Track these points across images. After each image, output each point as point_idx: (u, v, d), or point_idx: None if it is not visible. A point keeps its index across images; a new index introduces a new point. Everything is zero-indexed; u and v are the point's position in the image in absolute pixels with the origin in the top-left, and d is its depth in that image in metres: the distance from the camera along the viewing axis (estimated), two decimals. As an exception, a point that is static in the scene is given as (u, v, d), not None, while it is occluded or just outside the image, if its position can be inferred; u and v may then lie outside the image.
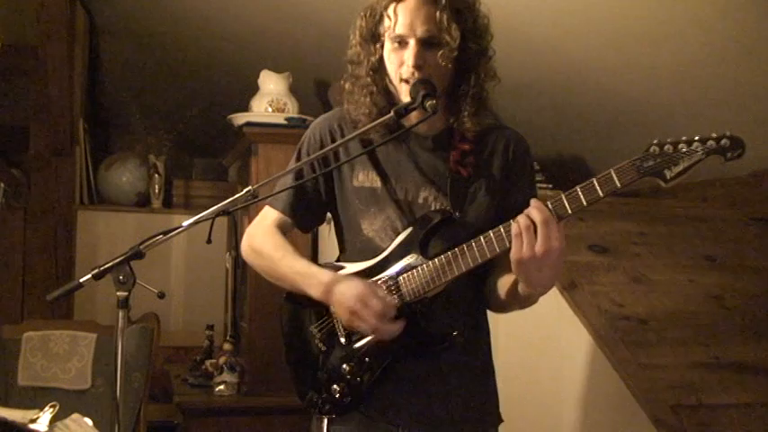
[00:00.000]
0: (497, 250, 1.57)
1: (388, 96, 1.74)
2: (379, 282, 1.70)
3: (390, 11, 1.67)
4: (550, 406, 2.51)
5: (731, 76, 2.65)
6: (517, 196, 1.65)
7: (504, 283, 1.68)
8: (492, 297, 1.74)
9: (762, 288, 2.59)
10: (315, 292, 1.71)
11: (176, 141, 4.68)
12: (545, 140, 3.56)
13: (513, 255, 1.50)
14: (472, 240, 1.60)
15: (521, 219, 1.50)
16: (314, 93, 4.23)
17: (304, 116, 3.69)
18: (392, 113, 1.63)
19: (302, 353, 1.82)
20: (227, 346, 3.66)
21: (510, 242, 1.52)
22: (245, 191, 1.60)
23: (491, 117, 1.78)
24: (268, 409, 3.46)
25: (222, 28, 4.01)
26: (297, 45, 3.91)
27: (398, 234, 1.72)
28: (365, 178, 1.77)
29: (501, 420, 1.84)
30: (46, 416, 1.97)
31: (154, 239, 1.57)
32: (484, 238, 1.59)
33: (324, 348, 1.77)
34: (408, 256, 1.69)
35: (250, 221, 3.53)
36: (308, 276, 1.72)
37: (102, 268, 1.53)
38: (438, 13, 1.64)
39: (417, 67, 1.65)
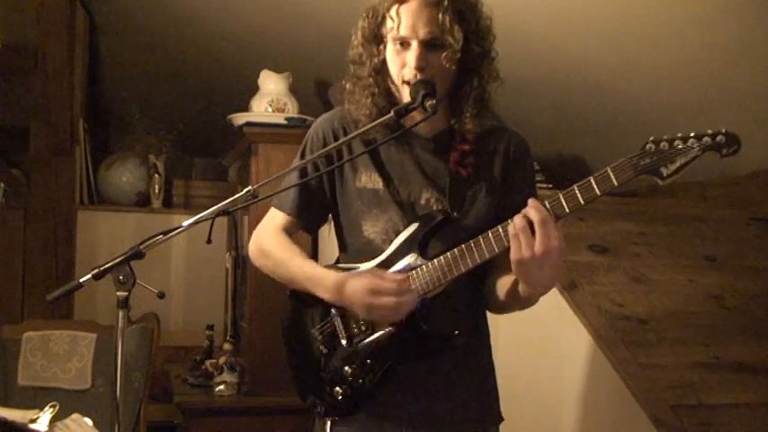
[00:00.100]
0: (496, 250, 1.57)
1: (390, 97, 1.74)
2: None
3: (393, 12, 1.67)
4: (550, 406, 2.51)
5: (731, 76, 2.65)
6: (517, 197, 1.65)
7: (503, 284, 1.68)
8: (491, 298, 1.74)
9: (762, 288, 2.59)
10: (325, 294, 1.71)
11: (176, 141, 4.68)
12: (545, 140, 3.56)
13: (512, 255, 1.50)
14: (471, 241, 1.60)
15: (517, 219, 1.50)
16: (314, 93, 4.23)
17: (304, 116, 3.69)
18: (392, 113, 1.63)
19: (304, 356, 1.82)
20: (227, 346, 3.66)
21: (509, 242, 1.52)
22: (245, 191, 1.60)
23: (492, 118, 1.78)
24: (268, 409, 3.46)
25: (222, 28, 4.01)
26: (297, 45, 3.91)
27: (399, 235, 1.72)
28: (368, 179, 1.77)
29: (502, 419, 1.84)
30: (46, 416, 1.97)
31: (154, 239, 1.57)
32: (483, 239, 1.59)
33: (325, 351, 1.77)
34: (408, 257, 1.69)
35: (250, 221, 3.57)
36: (316, 279, 1.73)
37: (102, 268, 1.52)
38: (440, 15, 1.64)
39: (420, 68, 1.65)
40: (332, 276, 1.71)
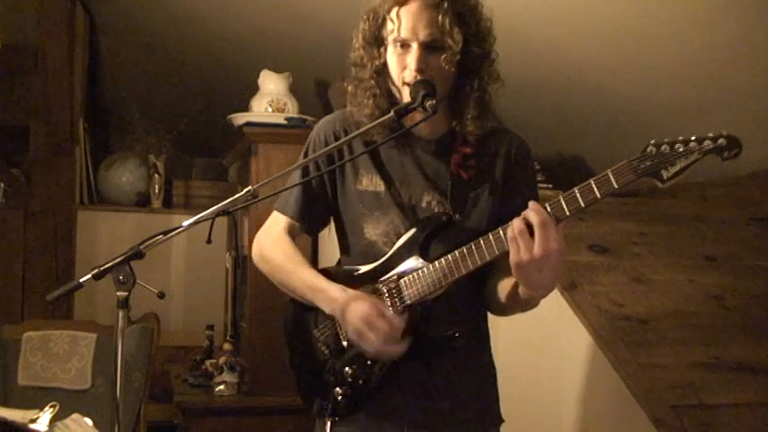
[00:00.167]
0: (496, 252, 1.57)
1: (391, 99, 1.74)
2: (381, 284, 1.70)
3: (393, 14, 1.67)
4: (550, 406, 2.51)
5: (731, 76, 2.65)
6: (518, 199, 1.65)
7: (504, 287, 1.68)
8: (493, 300, 1.75)
9: (762, 288, 2.59)
10: (325, 307, 1.72)
11: (176, 141, 4.68)
12: (545, 141, 3.56)
13: (511, 258, 1.51)
14: (472, 243, 1.60)
15: (515, 222, 1.50)
16: (314, 93, 4.23)
17: (304, 116, 3.69)
18: (392, 113, 1.63)
19: (305, 356, 1.82)
20: (227, 346, 3.66)
21: (509, 244, 1.52)
22: (245, 191, 1.60)
23: (493, 120, 1.78)
24: (268, 409, 3.46)
25: (222, 28, 4.01)
26: (297, 45, 3.91)
27: (401, 237, 1.73)
28: (369, 182, 1.78)
29: (502, 421, 1.84)
30: (46, 416, 1.97)
31: (154, 239, 1.57)
32: (483, 241, 1.59)
33: (326, 352, 1.78)
34: (410, 259, 1.69)
35: (250, 221, 3.57)
36: (318, 291, 1.73)
37: (102, 268, 1.52)
38: (441, 17, 1.64)
39: (420, 70, 1.65)
40: (333, 290, 1.71)
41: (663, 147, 1.46)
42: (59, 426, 1.99)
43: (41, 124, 4.27)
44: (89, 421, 2.07)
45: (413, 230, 1.72)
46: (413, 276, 1.67)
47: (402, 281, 1.68)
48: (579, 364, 2.39)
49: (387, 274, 1.71)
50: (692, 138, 1.44)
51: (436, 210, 1.73)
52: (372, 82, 1.74)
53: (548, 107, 3.44)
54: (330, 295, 1.70)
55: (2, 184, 4.29)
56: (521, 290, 1.59)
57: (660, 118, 3.04)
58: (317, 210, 1.85)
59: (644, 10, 2.54)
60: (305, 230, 1.88)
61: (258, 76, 3.86)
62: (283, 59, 3.94)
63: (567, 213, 1.50)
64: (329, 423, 1.77)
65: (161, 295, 1.62)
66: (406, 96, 1.68)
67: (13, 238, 4.23)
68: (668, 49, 2.67)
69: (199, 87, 4.67)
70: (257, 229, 1.93)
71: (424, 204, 1.74)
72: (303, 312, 1.82)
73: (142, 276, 1.54)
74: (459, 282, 1.65)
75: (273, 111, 3.77)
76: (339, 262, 1.88)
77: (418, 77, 1.65)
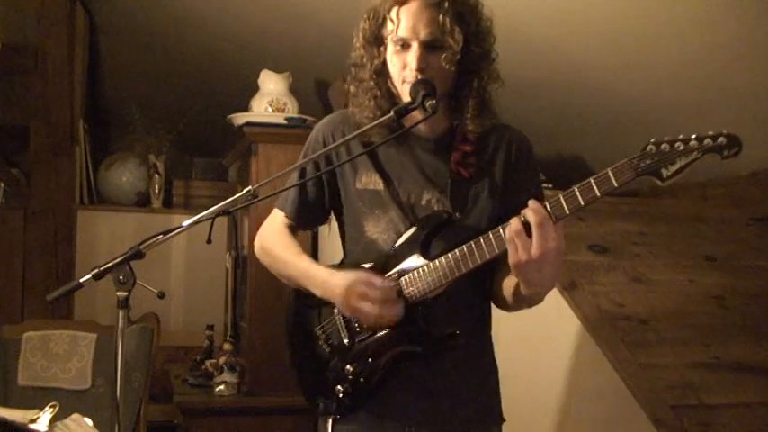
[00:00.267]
0: (497, 251, 1.58)
1: (392, 99, 1.75)
2: None
3: (393, 14, 1.67)
4: (550, 406, 2.51)
5: (731, 76, 2.65)
6: (523, 196, 1.65)
7: (508, 284, 1.69)
8: (498, 297, 1.75)
9: (762, 288, 2.59)
10: (316, 290, 1.75)
11: (176, 141, 4.68)
12: (545, 140, 3.55)
13: (510, 259, 1.51)
14: (472, 241, 1.60)
15: (513, 222, 1.50)
16: (314, 93, 4.23)
17: (304, 116, 3.69)
18: (392, 113, 1.63)
19: (306, 354, 1.83)
20: (227, 346, 3.66)
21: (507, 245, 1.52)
22: (245, 191, 1.60)
23: (493, 117, 1.78)
24: (268, 409, 3.46)
25: (222, 28, 4.01)
26: (297, 45, 3.91)
27: (401, 236, 1.73)
28: (368, 181, 1.78)
29: (504, 420, 1.84)
30: (46, 416, 1.97)
31: (154, 239, 1.57)
32: (484, 240, 1.59)
33: (327, 349, 1.78)
34: (410, 258, 1.69)
35: (250, 221, 3.57)
36: (309, 276, 1.77)
37: (102, 268, 1.53)
38: (441, 17, 1.64)
39: (420, 70, 1.65)
40: (322, 272, 1.75)
41: (663, 145, 1.45)
42: (59, 426, 1.99)
43: (41, 124, 4.27)
44: (89, 421, 2.07)
45: (413, 229, 1.72)
46: (413, 274, 1.67)
47: (403, 279, 1.69)
48: (579, 364, 2.39)
49: (387, 272, 1.71)
50: (693, 136, 1.44)
51: (436, 208, 1.73)
52: (372, 82, 1.74)
53: (548, 107, 3.44)
54: (321, 279, 1.73)
55: (2, 184, 4.30)
56: (522, 288, 1.59)
57: (660, 118, 3.04)
58: (311, 210, 1.88)
59: (644, 10, 2.54)
60: (298, 227, 1.92)
61: (258, 76, 3.86)
62: (283, 59, 3.94)
63: (567, 212, 1.50)
64: (330, 421, 1.78)
65: (161, 295, 1.62)
66: (405, 95, 1.68)
67: (13, 238, 4.23)
68: (668, 49, 2.67)
69: (199, 87, 4.67)
70: (257, 229, 1.96)
71: (423, 202, 1.74)
72: (304, 310, 1.83)
73: (142, 276, 1.54)
74: (460, 280, 1.65)
75: (273, 111, 3.77)
76: (343, 260, 1.89)
77: (419, 77, 1.65)
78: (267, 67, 3.86)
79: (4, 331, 3.18)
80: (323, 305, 1.79)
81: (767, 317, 2.48)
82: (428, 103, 1.60)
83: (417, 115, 1.65)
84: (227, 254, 4.24)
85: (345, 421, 1.78)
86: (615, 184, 1.46)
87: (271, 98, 3.80)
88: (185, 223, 1.58)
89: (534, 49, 2.98)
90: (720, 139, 1.43)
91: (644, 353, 2.25)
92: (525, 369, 2.54)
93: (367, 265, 1.75)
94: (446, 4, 1.64)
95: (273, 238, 1.88)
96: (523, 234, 1.49)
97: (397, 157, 1.77)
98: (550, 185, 3.22)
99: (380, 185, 1.77)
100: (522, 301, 1.66)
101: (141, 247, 1.55)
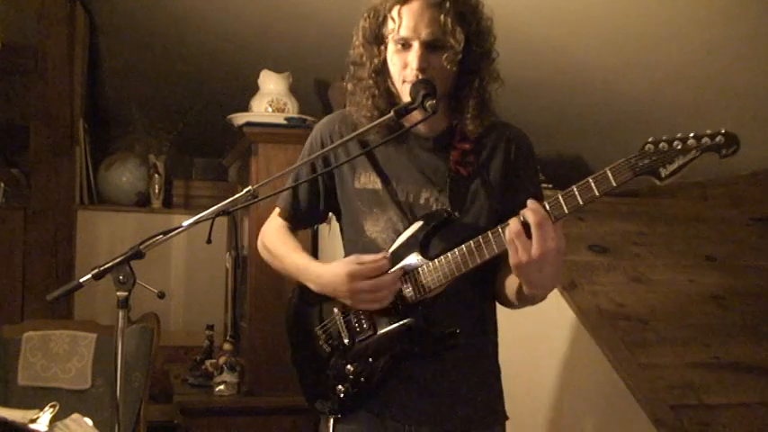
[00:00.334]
0: (496, 251, 1.58)
1: (390, 98, 1.74)
2: None
3: (394, 13, 1.67)
4: (550, 406, 2.51)
5: (731, 76, 2.65)
6: (522, 196, 1.65)
7: (511, 284, 1.69)
8: (502, 296, 1.75)
9: (762, 288, 2.59)
10: (312, 284, 1.77)
11: (176, 141, 4.68)
12: (545, 140, 3.55)
13: (510, 260, 1.51)
14: (472, 241, 1.60)
15: (512, 223, 1.50)
16: (314, 93, 4.23)
17: (304, 116, 3.69)
18: (392, 113, 1.63)
19: (307, 354, 1.84)
20: (227, 346, 3.66)
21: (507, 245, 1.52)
22: (245, 191, 1.61)
23: (493, 115, 1.77)
24: (268, 409, 3.46)
25: (222, 28, 4.01)
26: (297, 45, 3.91)
27: (400, 235, 1.73)
28: (367, 180, 1.79)
29: (507, 418, 1.84)
30: (46, 416, 1.97)
31: (154, 239, 1.57)
32: (483, 239, 1.59)
33: (328, 349, 1.79)
34: (409, 257, 1.69)
35: (250, 221, 3.57)
36: (305, 271, 1.79)
37: (102, 268, 1.53)
38: (442, 17, 1.64)
39: (421, 69, 1.65)
40: (316, 267, 1.77)
41: (661, 144, 1.45)
42: (59, 426, 2.00)
43: (41, 124, 4.27)
44: (89, 421, 2.07)
45: (413, 228, 1.72)
46: (412, 274, 1.67)
47: (402, 279, 1.68)
48: (578, 364, 2.39)
49: (387, 271, 1.71)
50: (690, 135, 1.44)
51: (434, 207, 1.73)
52: (371, 81, 1.74)
53: (548, 107, 3.44)
54: (315, 273, 1.76)
55: (2, 184, 4.30)
56: (524, 288, 1.59)
57: (660, 118, 3.04)
58: (305, 212, 1.90)
59: (644, 10, 2.54)
60: (294, 227, 1.94)
61: (258, 76, 3.86)
62: (283, 59, 3.94)
63: (566, 211, 1.50)
64: (332, 421, 1.78)
65: (161, 295, 1.62)
66: (405, 95, 1.68)
67: (13, 238, 4.23)
68: (668, 49, 2.67)
69: (199, 87, 4.67)
70: (257, 229, 1.98)
71: (422, 201, 1.74)
72: (305, 309, 1.83)
73: (142, 276, 1.55)
74: (460, 279, 1.65)
75: (273, 111, 3.77)
76: None
77: (419, 76, 1.65)
78: (267, 67, 3.86)
79: (4, 331, 3.18)
80: (324, 304, 1.79)
81: (767, 317, 2.48)
82: (428, 103, 1.60)
83: (417, 115, 1.65)
84: (227, 254, 4.24)
85: (346, 421, 1.78)
86: (614, 184, 1.46)
87: (271, 98, 3.81)
88: (185, 223, 1.58)
89: (534, 49, 2.98)
90: (718, 138, 1.43)
91: (644, 353, 2.25)
92: (525, 369, 2.54)
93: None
94: (447, 4, 1.64)
95: (272, 235, 1.91)
96: (523, 235, 1.49)
97: (395, 156, 1.77)
98: (550, 185, 3.22)
99: (379, 185, 1.77)
100: (525, 300, 1.67)
101: (141, 247, 1.55)
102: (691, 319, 2.42)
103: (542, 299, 1.67)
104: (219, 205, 1.61)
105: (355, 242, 1.81)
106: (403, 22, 1.66)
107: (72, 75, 4.29)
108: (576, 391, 2.41)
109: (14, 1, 4.25)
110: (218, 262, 4.41)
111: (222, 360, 3.58)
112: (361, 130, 1.70)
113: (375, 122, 1.68)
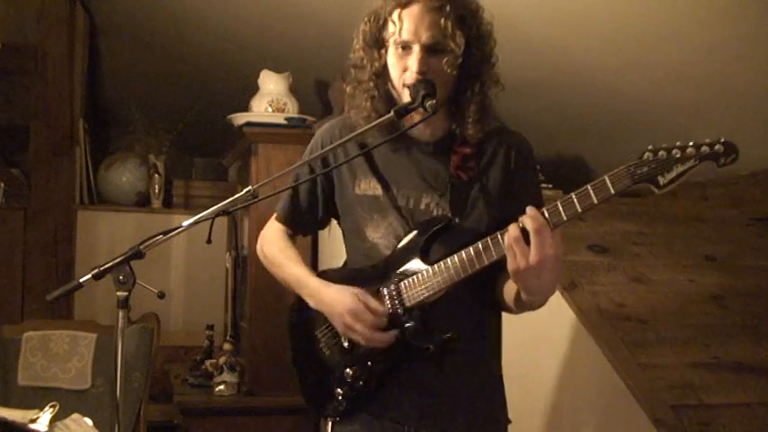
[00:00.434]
0: (495, 257, 1.58)
1: (390, 102, 1.74)
2: (381, 287, 1.71)
3: (395, 16, 1.67)
4: (549, 406, 2.51)
5: (731, 76, 2.65)
6: (521, 202, 1.65)
7: (509, 289, 1.69)
8: (501, 302, 1.75)
9: (762, 288, 2.59)
10: (308, 298, 1.79)
11: (176, 141, 4.68)
12: (545, 141, 3.55)
13: (508, 266, 1.51)
14: (471, 247, 1.60)
15: (511, 229, 1.51)
16: (314, 93, 4.23)
17: (304, 116, 3.69)
18: (392, 113, 1.63)
19: (307, 356, 1.84)
20: (227, 346, 3.66)
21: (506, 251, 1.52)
22: (245, 191, 1.61)
23: (493, 119, 1.77)
24: (268, 409, 3.46)
25: (222, 28, 4.01)
26: (297, 45, 3.91)
27: (401, 241, 1.73)
28: (367, 186, 1.79)
29: (509, 421, 1.84)
30: (46, 416, 1.97)
31: (154, 239, 1.57)
32: (483, 245, 1.59)
33: (328, 352, 1.79)
34: (410, 262, 1.69)
35: (250, 221, 3.57)
36: (303, 285, 1.81)
37: (102, 268, 1.53)
38: (443, 20, 1.64)
39: (421, 73, 1.65)
40: (314, 284, 1.78)
41: (660, 152, 1.46)
42: (59, 426, 1.99)
43: (41, 124, 4.27)
44: (89, 421, 2.07)
45: (412, 233, 1.72)
46: (413, 279, 1.68)
47: (402, 284, 1.69)
48: (578, 364, 2.39)
49: (387, 276, 1.72)
50: (690, 143, 1.44)
51: (435, 212, 1.73)
52: (371, 84, 1.74)
53: (548, 107, 3.44)
54: (313, 288, 1.77)
55: (2, 184, 4.30)
56: (522, 294, 1.59)
57: (660, 118, 3.04)
58: (303, 218, 1.91)
59: (644, 10, 2.54)
60: (292, 233, 1.94)
61: (258, 76, 3.86)
62: (283, 59, 3.94)
63: (565, 218, 1.51)
64: (330, 423, 1.79)
65: (161, 295, 1.62)
66: (405, 99, 1.68)
67: (13, 238, 4.23)
68: (668, 49, 2.67)
69: (199, 87, 4.67)
70: (257, 229, 1.97)
71: (422, 207, 1.74)
72: (306, 313, 1.83)
73: (142, 276, 1.55)
74: (459, 285, 1.65)
75: (273, 111, 3.77)
76: (345, 264, 1.90)
77: (419, 80, 1.65)
78: (267, 67, 3.86)
79: (4, 331, 3.18)
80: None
81: (767, 317, 2.48)
82: (428, 104, 1.60)
83: (416, 117, 1.65)
84: (227, 254, 4.24)
85: (346, 422, 1.78)
86: (612, 192, 1.47)
87: (271, 98, 3.81)
88: (185, 223, 1.58)
89: (534, 49, 2.98)
90: (717, 147, 1.43)
91: (644, 353, 2.25)
92: (524, 369, 2.54)
93: (367, 270, 1.76)
94: (448, 8, 1.64)
95: (271, 241, 1.92)
96: (521, 241, 1.49)
97: (395, 162, 1.77)
98: (550, 185, 3.22)
99: (379, 190, 1.77)
100: (523, 306, 1.67)
101: (141, 247, 1.55)
102: (691, 319, 2.42)
103: (541, 305, 1.66)
104: (219, 205, 1.61)
105: (358, 248, 1.81)
106: (403, 26, 1.66)
107: (72, 75, 4.29)
108: (575, 392, 2.41)
109: (14, 1, 4.25)
110: (218, 262, 4.41)
111: (222, 360, 3.58)
112: (360, 130, 1.69)
113: (375, 122, 1.68)
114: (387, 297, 1.70)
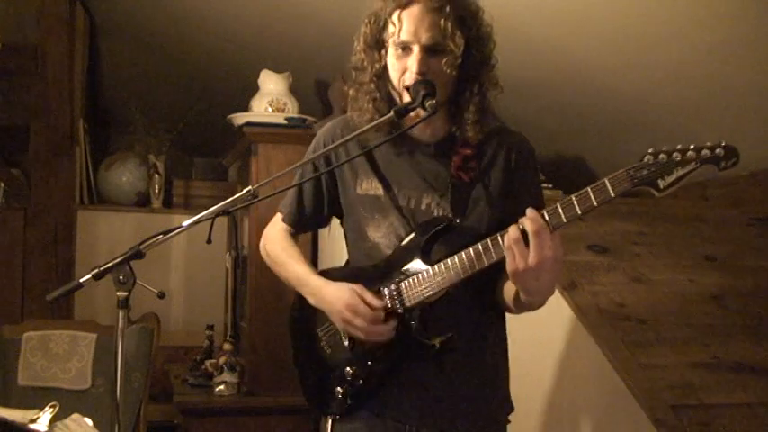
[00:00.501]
0: (495, 258, 1.58)
1: (391, 103, 1.74)
2: (382, 287, 1.71)
3: (395, 17, 1.67)
4: (550, 406, 2.51)
5: (731, 75, 2.65)
6: (521, 203, 1.65)
7: (508, 289, 1.69)
8: (500, 303, 1.76)
9: (762, 288, 2.59)
10: (309, 297, 1.80)
11: (176, 141, 4.68)
12: (546, 141, 3.55)
13: (507, 267, 1.52)
14: (471, 247, 1.61)
15: (511, 230, 1.51)
16: (314, 93, 4.23)
17: (304, 116, 3.69)
18: (392, 113, 1.63)
19: (308, 355, 1.85)
20: (227, 346, 3.66)
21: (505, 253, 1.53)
22: (245, 191, 1.61)
23: (493, 120, 1.77)
24: (268, 409, 3.46)
25: (222, 28, 4.01)
26: (297, 45, 3.91)
27: (402, 241, 1.73)
28: (368, 186, 1.79)
29: (508, 421, 1.84)
30: (46, 416, 1.97)
31: (154, 239, 1.57)
32: (483, 246, 1.59)
33: (328, 351, 1.80)
34: (411, 263, 1.70)
35: (250, 221, 3.57)
36: (304, 283, 1.82)
37: (102, 268, 1.53)
38: (442, 21, 1.64)
39: (421, 73, 1.65)
40: (314, 281, 1.79)
41: (660, 156, 1.46)
42: (59, 426, 1.99)
43: (41, 124, 4.27)
44: (89, 421, 2.07)
45: (413, 234, 1.72)
46: (413, 279, 1.68)
47: (403, 284, 1.70)
48: (579, 364, 2.39)
49: (388, 276, 1.72)
50: (690, 147, 1.44)
51: (435, 212, 1.74)
52: (372, 86, 1.74)
53: (548, 107, 3.44)
54: (314, 286, 1.78)
55: (2, 184, 4.30)
56: (521, 295, 1.60)
57: (660, 118, 3.04)
58: (308, 217, 1.91)
59: (644, 10, 2.54)
60: (295, 232, 1.95)
61: (258, 76, 3.86)
62: (283, 59, 3.94)
63: (564, 220, 1.51)
64: (331, 421, 1.79)
65: (161, 295, 1.62)
66: (405, 99, 1.68)
67: (13, 238, 4.23)
68: (668, 49, 2.67)
69: (199, 87, 4.67)
70: (257, 229, 1.98)
71: (423, 207, 1.75)
72: (307, 311, 1.84)
73: (142, 276, 1.55)
74: (459, 285, 1.65)
75: (273, 111, 3.77)
76: (347, 263, 1.91)
77: (419, 80, 1.65)
78: (267, 67, 3.86)
79: (4, 331, 3.18)
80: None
81: (767, 317, 2.48)
82: (428, 103, 1.61)
83: (417, 117, 1.65)
84: (227, 254, 4.24)
85: (346, 420, 1.79)
86: (612, 195, 1.47)
87: (271, 98, 3.81)
88: (185, 223, 1.58)
89: (534, 49, 2.98)
90: (718, 150, 1.44)
91: (644, 353, 2.25)
92: (524, 369, 2.53)
93: (367, 270, 1.76)
94: (448, 9, 1.64)
95: (274, 240, 1.93)
96: (521, 242, 1.49)
97: (397, 162, 1.78)
98: (551, 185, 3.22)
99: (380, 191, 1.78)
100: (522, 306, 1.67)
101: (141, 247, 1.55)
102: (691, 319, 2.42)
103: (540, 305, 1.67)
104: (219, 205, 1.61)
105: (359, 247, 1.82)
106: (403, 27, 1.66)
107: (72, 75, 4.29)
108: (575, 391, 2.41)
109: (14, 1, 4.25)
110: (218, 262, 4.41)
111: (222, 360, 3.58)
112: (361, 129, 1.70)
113: (375, 122, 1.68)
114: (387, 296, 1.71)
